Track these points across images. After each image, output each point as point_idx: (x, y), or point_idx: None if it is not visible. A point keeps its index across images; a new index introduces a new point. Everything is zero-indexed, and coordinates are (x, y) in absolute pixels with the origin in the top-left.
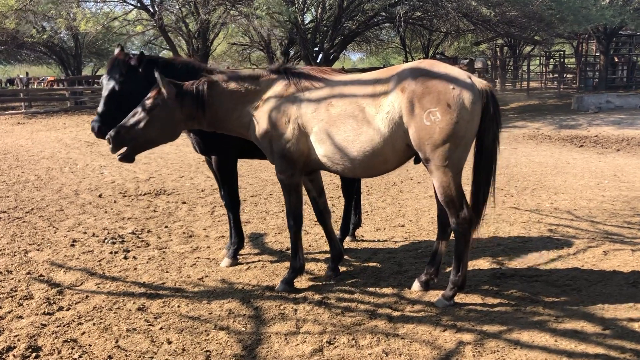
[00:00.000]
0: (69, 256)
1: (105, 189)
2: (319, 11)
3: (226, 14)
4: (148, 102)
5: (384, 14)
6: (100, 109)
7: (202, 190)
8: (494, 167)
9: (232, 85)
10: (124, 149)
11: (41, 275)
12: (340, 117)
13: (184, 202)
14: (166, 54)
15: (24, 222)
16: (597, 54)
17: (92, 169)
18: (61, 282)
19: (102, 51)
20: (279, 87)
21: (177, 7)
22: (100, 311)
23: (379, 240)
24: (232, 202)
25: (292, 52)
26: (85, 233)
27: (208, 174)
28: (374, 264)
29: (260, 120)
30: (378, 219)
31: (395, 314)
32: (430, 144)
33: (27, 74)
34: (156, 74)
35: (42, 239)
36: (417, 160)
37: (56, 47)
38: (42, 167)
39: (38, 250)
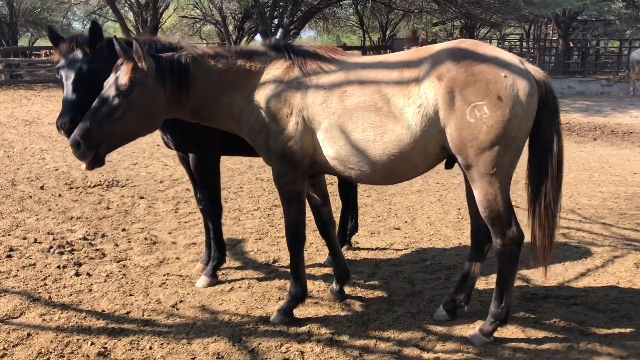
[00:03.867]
0: (5, 272)
1: (48, 178)
2: None
3: None
4: (122, 82)
5: None
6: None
7: (161, 182)
8: (561, 173)
9: (221, 62)
10: (91, 159)
11: None
12: (358, 109)
13: (141, 197)
14: (111, 25)
15: None
16: (554, 38)
17: (32, 152)
18: None
19: (40, 20)
20: (279, 70)
21: None
22: (48, 359)
23: (377, 249)
24: (213, 208)
25: (245, 27)
26: (25, 239)
27: (165, 161)
28: (381, 281)
29: (255, 111)
30: (369, 219)
31: (427, 356)
32: (474, 147)
33: None
34: (134, 43)
35: None
36: (448, 165)
37: None
38: None
39: None
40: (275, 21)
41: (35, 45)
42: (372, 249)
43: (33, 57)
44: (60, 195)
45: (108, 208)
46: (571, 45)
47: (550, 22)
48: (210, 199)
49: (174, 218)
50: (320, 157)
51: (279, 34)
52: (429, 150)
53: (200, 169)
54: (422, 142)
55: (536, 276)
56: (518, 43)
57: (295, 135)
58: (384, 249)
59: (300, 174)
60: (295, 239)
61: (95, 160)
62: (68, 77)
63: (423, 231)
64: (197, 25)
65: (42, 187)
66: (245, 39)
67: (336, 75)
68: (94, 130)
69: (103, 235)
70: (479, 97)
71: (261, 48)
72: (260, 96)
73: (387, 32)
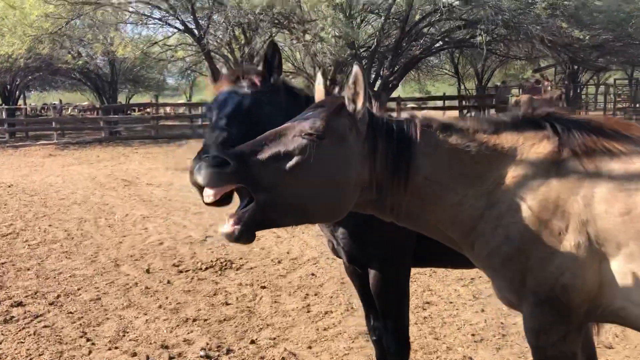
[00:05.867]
0: None
1: (153, 256)
2: (379, 34)
3: (270, 38)
4: (315, 123)
5: (447, 38)
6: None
7: (279, 262)
8: None
9: (454, 138)
10: (240, 213)
11: None
12: None
13: (262, 287)
14: (203, 81)
15: (44, 326)
16: None
17: (133, 221)
18: None
19: (139, 78)
20: (539, 154)
21: (227, 30)
22: None
23: None
24: (399, 347)
25: (337, 79)
26: (134, 355)
27: (276, 231)
28: None
29: (504, 220)
30: None
31: None
32: None
33: (60, 101)
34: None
35: None
36: None
37: (91, 73)
38: (73, 216)
39: None
40: (373, 72)
41: (132, 102)
42: None
43: (129, 112)
44: (169, 282)
45: (227, 303)
46: None
47: None
48: (395, 334)
49: (309, 321)
50: (610, 301)
51: (376, 85)
52: None
53: (385, 291)
54: None
55: None
56: (626, 89)
57: (573, 265)
58: None
59: (574, 326)
60: None
61: (246, 228)
62: (222, 109)
63: None
64: (288, 78)
65: (147, 270)
66: (335, 90)
67: None
68: (256, 162)
69: (229, 351)
70: None
71: (505, 118)
72: (513, 196)
73: (483, 79)
